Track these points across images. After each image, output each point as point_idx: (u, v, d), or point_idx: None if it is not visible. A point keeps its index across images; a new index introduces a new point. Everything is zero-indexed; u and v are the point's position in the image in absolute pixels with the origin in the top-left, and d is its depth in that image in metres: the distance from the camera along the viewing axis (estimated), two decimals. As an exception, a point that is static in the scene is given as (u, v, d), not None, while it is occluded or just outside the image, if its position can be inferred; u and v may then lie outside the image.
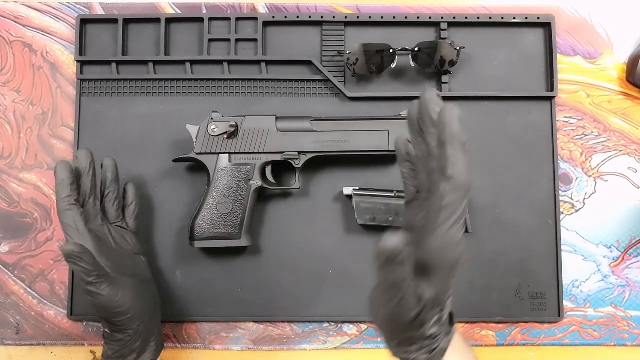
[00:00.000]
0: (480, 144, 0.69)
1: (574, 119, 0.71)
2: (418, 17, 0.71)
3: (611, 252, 0.70)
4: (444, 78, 0.70)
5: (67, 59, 0.71)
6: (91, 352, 0.68)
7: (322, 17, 0.70)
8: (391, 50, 0.67)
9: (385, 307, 0.42)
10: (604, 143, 0.71)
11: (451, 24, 0.71)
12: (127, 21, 0.71)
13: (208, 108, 0.67)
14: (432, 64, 0.68)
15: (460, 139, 0.39)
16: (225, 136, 0.65)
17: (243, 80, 0.70)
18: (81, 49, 0.70)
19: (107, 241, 0.59)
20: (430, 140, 0.43)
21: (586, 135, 0.71)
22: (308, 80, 0.70)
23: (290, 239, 0.68)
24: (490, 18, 0.71)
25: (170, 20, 0.71)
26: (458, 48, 0.67)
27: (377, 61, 0.68)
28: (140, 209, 0.65)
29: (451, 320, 0.46)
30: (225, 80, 0.70)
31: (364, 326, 0.69)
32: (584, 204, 0.70)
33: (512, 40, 0.71)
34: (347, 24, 0.71)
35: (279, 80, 0.70)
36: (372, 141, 0.65)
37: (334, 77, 0.70)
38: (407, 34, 0.71)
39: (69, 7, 0.72)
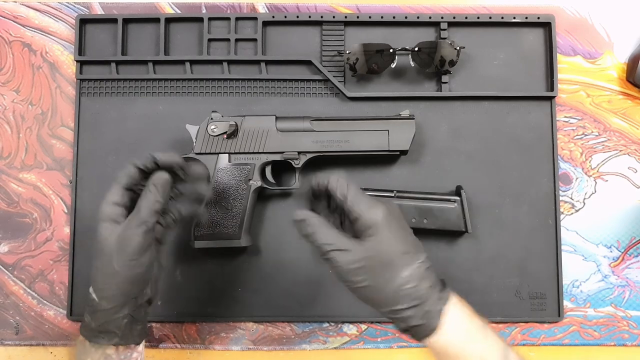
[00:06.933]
0: (480, 144, 0.69)
1: (574, 118, 0.71)
2: (418, 17, 0.70)
3: (611, 252, 0.70)
4: (444, 78, 0.70)
5: (66, 59, 0.71)
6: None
7: (321, 16, 0.70)
8: (391, 50, 0.67)
9: None
10: (604, 143, 0.71)
11: (451, 24, 0.71)
12: (127, 21, 0.71)
13: (208, 108, 0.67)
14: (432, 63, 0.68)
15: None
16: (225, 136, 0.65)
17: (243, 80, 0.70)
18: (80, 48, 0.70)
19: None
20: None
21: (586, 135, 0.71)
22: (308, 80, 0.70)
23: (290, 239, 0.68)
24: (490, 18, 0.71)
25: (170, 20, 0.71)
26: (458, 48, 0.67)
27: (377, 61, 0.68)
28: None
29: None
30: (225, 80, 0.70)
31: (363, 326, 0.69)
32: (584, 203, 0.70)
33: (512, 40, 0.71)
34: (347, 23, 0.71)
35: (278, 80, 0.70)
36: (372, 141, 0.65)
37: (334, 77, 0.70)
38: (407, 34, 0.71)
39: (68, 7, 0.72)
